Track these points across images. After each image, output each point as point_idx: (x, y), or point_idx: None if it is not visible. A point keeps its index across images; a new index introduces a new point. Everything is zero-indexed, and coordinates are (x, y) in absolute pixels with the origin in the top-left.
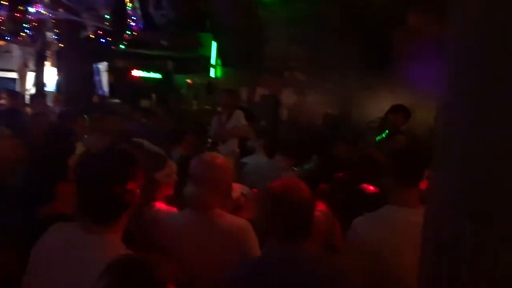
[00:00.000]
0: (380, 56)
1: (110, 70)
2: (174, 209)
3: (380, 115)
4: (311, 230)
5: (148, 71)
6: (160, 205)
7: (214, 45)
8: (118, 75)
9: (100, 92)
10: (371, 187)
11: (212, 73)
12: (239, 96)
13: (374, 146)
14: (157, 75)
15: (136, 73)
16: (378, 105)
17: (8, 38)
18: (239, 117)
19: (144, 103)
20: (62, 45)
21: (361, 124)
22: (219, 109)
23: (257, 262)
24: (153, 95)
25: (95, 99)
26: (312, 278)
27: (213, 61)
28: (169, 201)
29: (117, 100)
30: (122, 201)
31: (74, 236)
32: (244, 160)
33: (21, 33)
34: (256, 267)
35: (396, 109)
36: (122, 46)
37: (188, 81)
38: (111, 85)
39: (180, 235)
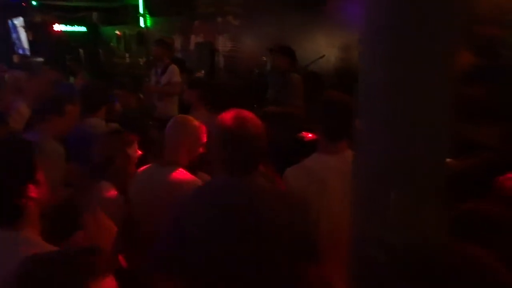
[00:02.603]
0: None
1: (27, 26)
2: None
3: (316, 57)
4: (259, 163)
5: (72, 24)
6: None
7: None
8: (37, 32)
9: (20, 51)
10: (309, 135)
11: (141, 22)
12: (172, 45)
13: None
14: (82, 28)
15: (58, 27)
16: (314, 47)
17: None
18: (173, 73)
19: (71, 59)
20: None
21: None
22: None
23: (205, 190)
24: (81, 50)
25: (15, 59)
26: (263, 207)
27: (141, 10)
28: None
29: (40, 59)
30: (18, 200)
31: None
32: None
33: None
34: (203, 194)
35: (271, 50)
36: (34, 2)
37: (117, 32)
38: (31, 42)
39: (144, 186)
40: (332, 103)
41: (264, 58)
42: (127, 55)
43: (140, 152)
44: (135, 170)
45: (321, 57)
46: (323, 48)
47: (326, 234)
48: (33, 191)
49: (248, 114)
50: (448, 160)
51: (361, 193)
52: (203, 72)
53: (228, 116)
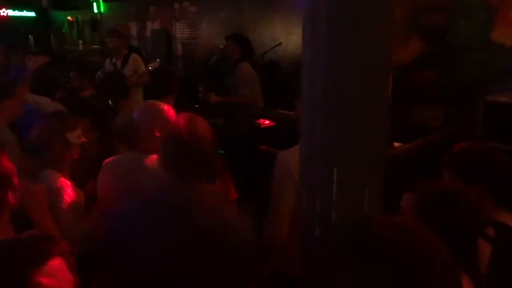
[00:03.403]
0: None
1: None
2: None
3: (274, 43)
4: (212, 170)
5: (20, 9)
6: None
7: None
8: None
9: None
10: (266, 121)
11: (95, 8)
12: (128, 34)
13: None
14: (31, 13)
15: (5, 12)
16: (271, 34)
17: None
18: (138, 63)
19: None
20: None
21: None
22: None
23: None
24: (30, 37)
25: None
26: (201, 218)
27: None
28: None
29: None
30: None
31: None
32: None
33: None
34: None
35: (226, 38)
36: None
37: (69, 18)
38: None
39: (122, 176)
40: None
41: (221, 46)
42: (80, 42)
43: (84, 139)
44: (77, 156)
45: (279, 45)
46: (281, 35)
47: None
48: (11, 198)
49: (200, 120)
50: (397, 144)
51: (309, 172)
52: (158, 60)
53: (180, 120)
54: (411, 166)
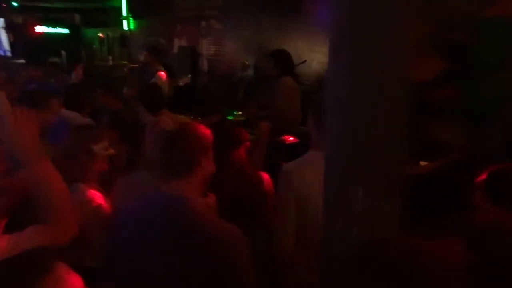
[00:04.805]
0: (294, 1)
1: (8, 28)
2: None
3: (296, 61)
4: (191, 169)
5: (54, 26)
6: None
7: None
8: (18, 33)
9: (1, 52)
10: (291, 138)
11: (124, 25)
12: (163, 51)
13: None
14: (64, 30)
15: (39, 29)
16: (295, 51)
17: None
18: (161, 82)
19: (53, 61)
20: None
21: None
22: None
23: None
24: (63, 52)
25: None
26: (173, 218)
27: (124, 12)
28: (102, 175)
29: (21, 61)
30: None
31: None
32: None
33: None
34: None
35: (269, 55)
36: (14, 4)
37: (100, 35)
38: (12, 44)
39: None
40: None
41: (247, 62)
42: (110, 57)
43: (112, 151)
44: (105, 168)
45: (303, 62)
46: (305, 53)
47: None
48: None
49: (194, 123)
50: (423, 163)
51: (331, 191)
52: (189, 76)
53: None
54: (437, 185)
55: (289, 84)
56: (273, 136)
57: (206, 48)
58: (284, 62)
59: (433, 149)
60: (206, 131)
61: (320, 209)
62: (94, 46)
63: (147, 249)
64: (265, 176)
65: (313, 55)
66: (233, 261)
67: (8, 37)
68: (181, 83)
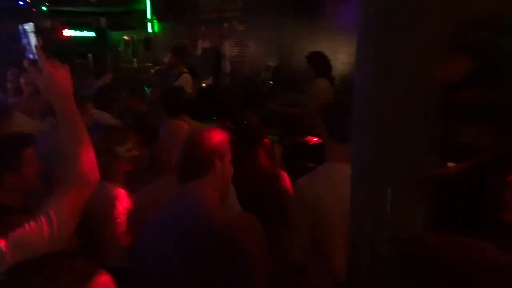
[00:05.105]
0: (315, 1)
1: (37, 32)
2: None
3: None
4: (203, 173)
5: (81, 29)
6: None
7: None
8: (47, 37)
9: (30, 56)
10: (314, 139)
11: (149, 28)
12: (187, 53)
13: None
14: (91, 34)
15: (67, 32)
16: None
17: None
18: (186, 84)
19: (79, 63)
20: None
21: (300, 73)
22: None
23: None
24: (89, 55)
25: (25, 63)
26: (198, 224)
27: (149, 15)
28: (128, 176)
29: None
30: None
31: None
32: None
33: None
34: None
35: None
36: (44, 8)
37: (125, 37)
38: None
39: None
40: (335, 106)
41: (270, 63)
42: (134, 60)
43: (136, 153)
44: (129, 169)
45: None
46: (329, 54)
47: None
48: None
49: (209, 129)
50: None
51: (360, 193)
52: (212, 78)
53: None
54: (465, 186)
55: (323, 86)
56: (297, 137)
57: (229, 49)
58: (320, 64)
59: (461, 151)
60: (221, 136)
61: (336, 218)
62: (119, 48)
63: (169, 248)
64: (284, 174)
65: (336, 56)
66: (249, 249)
67: (38, 41)
68: (204, 85)
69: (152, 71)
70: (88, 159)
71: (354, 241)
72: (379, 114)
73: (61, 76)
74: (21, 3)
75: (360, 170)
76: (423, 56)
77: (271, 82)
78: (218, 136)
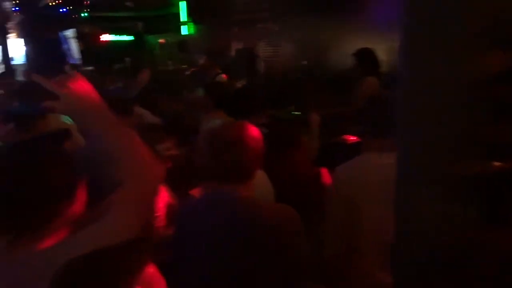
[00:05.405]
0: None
1: (78, 37)
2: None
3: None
4: (248, 173)
5: (119, 34)
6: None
7: (183, 1)
8: (87, 42)
9: (71, 61)
10: (351, 137)
11: (183, 30)
12: (221, 54)
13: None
14: (128, 38)
15: (106, 37)
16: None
17: None
18: None
19: (117, 67)
20: (22, 16)
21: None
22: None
23: (191, 203)
24: (127, 59)
25: (67, 68)
26: (239, 220)
27: (183, 18)
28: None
29: (90, 68)
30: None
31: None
32: None
33: None
34: (190, 208)
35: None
36: (83, 14)
37: (161, 40)
38: (82, 52)
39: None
40: (374, 99)
41: (305, 63)
42: (170, 62)
43: (174, 152)
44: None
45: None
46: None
47: (375, 232)
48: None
49: (246, 124)
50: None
51: (404, 192)
52: (246, 78)
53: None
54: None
55: (372, 85)
56: (335, 136)
57: (263, 50)
58: (369, 62)
59: (506, 149)
60: (258, 135)
61: (374, 213)
62: (155, 51)
63: (213, 244)
64: (324, 171)
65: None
66: (290, 241)
67: (79, 46)
68: (238, 85)
69: (187, 73)
70: (141, 157)
71: (398, 240)
72: (422, 112)
73: (82, 89)
74: (63, 10)
75: (404, 169)
76: (467, 52)
77: (305, 82)
78: (254, 134)
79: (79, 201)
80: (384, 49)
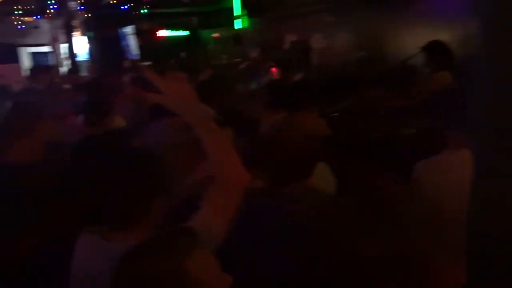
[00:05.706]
0: None
1: (137, 33)
2: None
3: (410, 53)
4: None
5: (176, 29)
6: None
7: None
8: (145, 38)
9: (129, 56)
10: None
11: (237, 24)
12: (274, 47)
13: None
14: (184, 33)
15: (162, 33)
16: (412, 41)
17: (38, 17)
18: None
19: (172, 62)
20: (87, 14)
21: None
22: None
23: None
24: (182, 54)
25: (126, 64)
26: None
27: (236, 12)
28: None
29: (148, 63)
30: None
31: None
32: None
33: (47, 10)
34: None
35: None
36: (143, 11)
37: (215, 35)
38: (140, 48)
39: None
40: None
41: (360, 54)
42: (224, 56)
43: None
44: None
45: (421, 52)
46: (419, 44)
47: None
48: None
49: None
50: None
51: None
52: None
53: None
54: None
55: (443, 81)
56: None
57: (317, 42)
58: (440, 55)
59: None
60: (317, 129)
61: (458, 209)
62: (209, 46)
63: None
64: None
65: None
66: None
67: (137, 42)
68: (293, 78)
69: (242, 66)
70: (233, 160)
71: (475, 236)
72: (501, 108)
73: (182, 91)
74: (124, 7)
75: (482, 165)
76: None
77: (360, 75)
78: (320, 135)
79: (167, 201)
80: (446, 41)
